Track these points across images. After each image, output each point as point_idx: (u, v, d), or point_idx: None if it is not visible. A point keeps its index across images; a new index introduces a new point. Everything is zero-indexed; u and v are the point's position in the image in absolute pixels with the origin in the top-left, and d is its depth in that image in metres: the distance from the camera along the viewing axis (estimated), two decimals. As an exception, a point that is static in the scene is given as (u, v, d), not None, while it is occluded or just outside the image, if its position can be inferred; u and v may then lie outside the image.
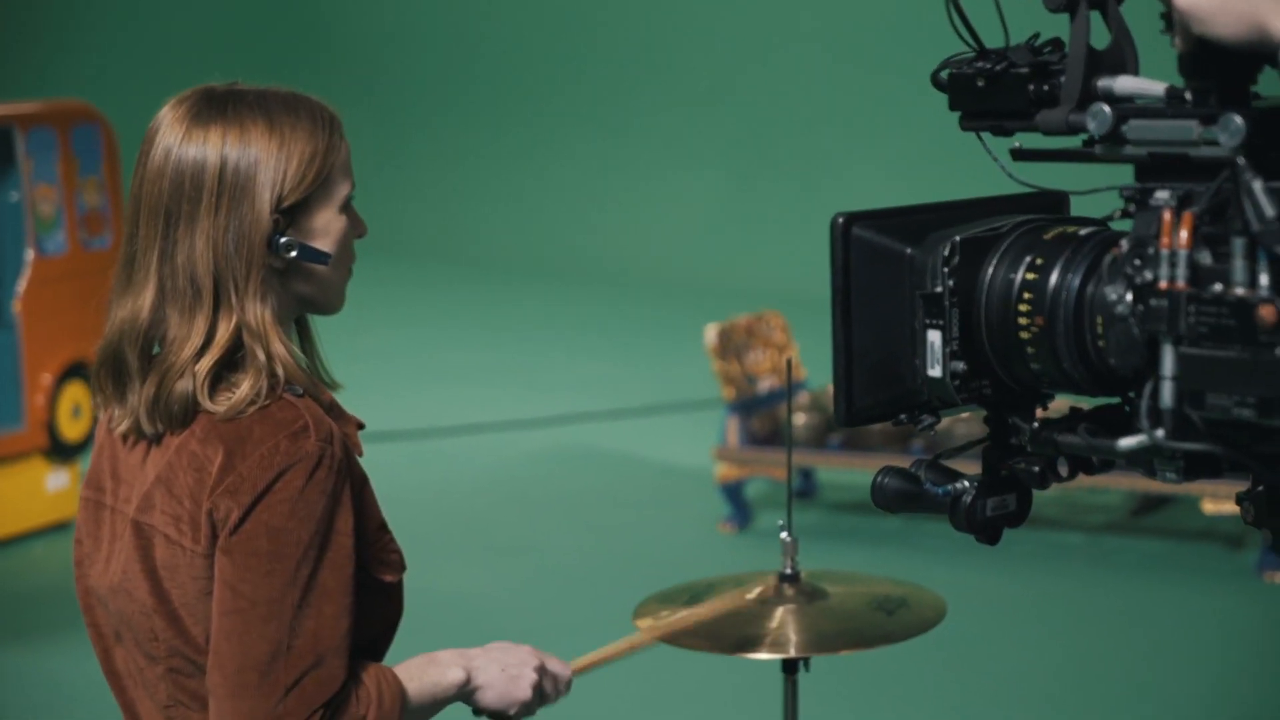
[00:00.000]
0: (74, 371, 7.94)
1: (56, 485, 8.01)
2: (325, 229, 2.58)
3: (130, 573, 2.55)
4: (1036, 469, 2.16)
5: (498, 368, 11.73)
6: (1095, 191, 2.13)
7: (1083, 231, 2.10)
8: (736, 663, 4.05)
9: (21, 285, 7.79)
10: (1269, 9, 1.88)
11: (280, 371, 2.51)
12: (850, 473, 8.05)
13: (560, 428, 9.96)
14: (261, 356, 2.50)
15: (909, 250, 2.15)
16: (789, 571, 3.41)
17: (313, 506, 2.45)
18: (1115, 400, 2.12)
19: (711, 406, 9.14)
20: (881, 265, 2.14)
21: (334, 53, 17.67)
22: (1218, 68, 1.97)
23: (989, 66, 2.13)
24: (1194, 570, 7.31)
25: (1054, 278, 2.06)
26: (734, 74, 15.35)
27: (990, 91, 2.14)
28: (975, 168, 2.49)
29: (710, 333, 7.91)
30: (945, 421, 2.24)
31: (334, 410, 2.58)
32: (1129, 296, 1.96)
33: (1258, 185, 1.87)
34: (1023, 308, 2.08)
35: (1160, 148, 2.00)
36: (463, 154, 16.83)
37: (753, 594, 3.38)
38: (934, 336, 2.12)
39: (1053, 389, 2.14)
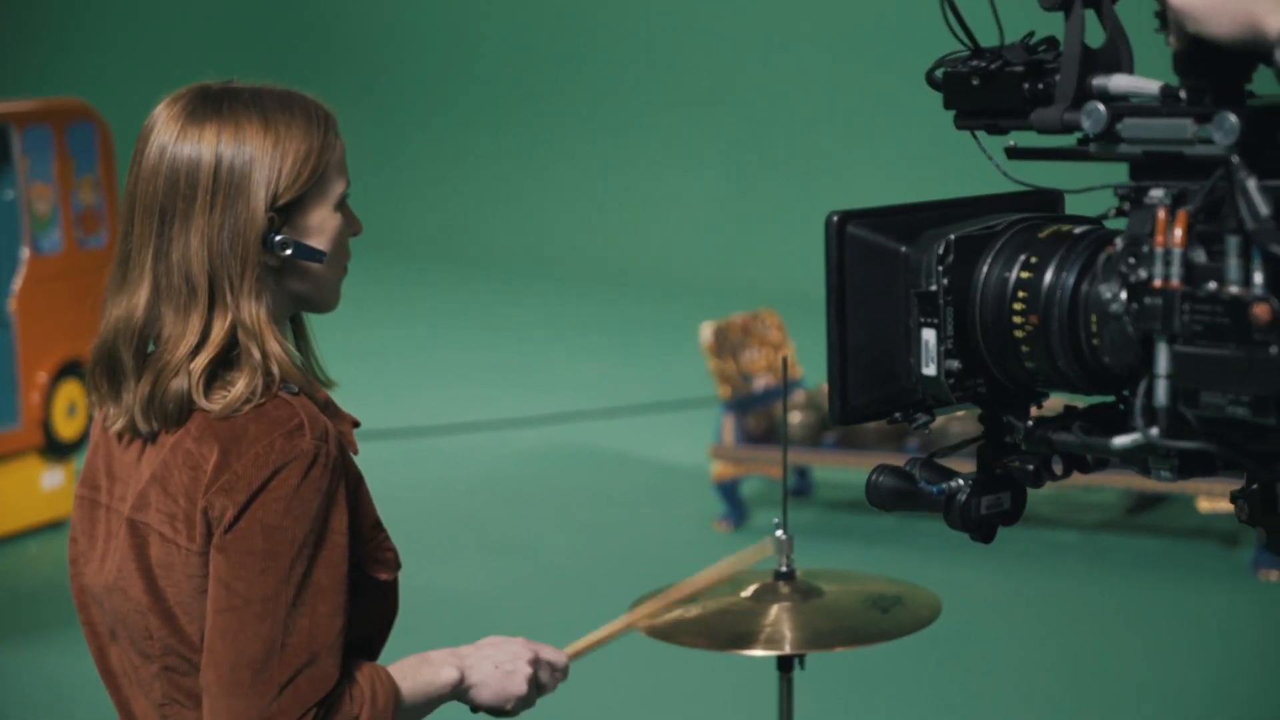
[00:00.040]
0: (69, 370, 7.93)
1: (52, 483, 8.01)
2: (320, 227, 2.58)
3: (125, 571, 2.55)
4: (1031, 467, 2.17)
5: (494, 366, 11.73)
6: (1090, 190, 2.13)
7: (1077, 230, 2.10)
8: (732, 660, 4.05)
9: (17, 283, 7.79)
10: (1263, 8, 1.88)
11: (275, 370, 2.51)
12: (845, 471, 8.05)
13: (556, 426, 9.96)
14: (257, 355, 2.50)
15: (904, 248, 2.15)
16: (784, 569, 3.41)
17: (307, 505, 2.45)
18: (1110, 399, 2.12)
19: (707, 405, 9.14)
20: (876, 263, 2.14)
21: (333, 52, 17.67)
22: (1212, 66, 1.97)
23: (984, 65, 2.13)
24: (1189, 568, 7.32)
25: (1048, 276, 2.06)
26: (730, 74, 15.35)
27: (985, 90, 2.14)
28: (971, 167, 2.49)
29: (706, 331, 7.91)
30: (940, 420, 2.24)
31: (329, 408, 2.58)
32: (1123, 295, 1.96)
33: (1252, 184, 1.87)
34: (1017, 306, 2.08)
35: (1155, 146, 2.00)
36: (460, 153, 16.83)
37: (746, 592, 3.38)
38: (929, 335, 2.12)
39: (1047, 387, 2.14)
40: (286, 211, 2.54)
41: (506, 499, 8.64)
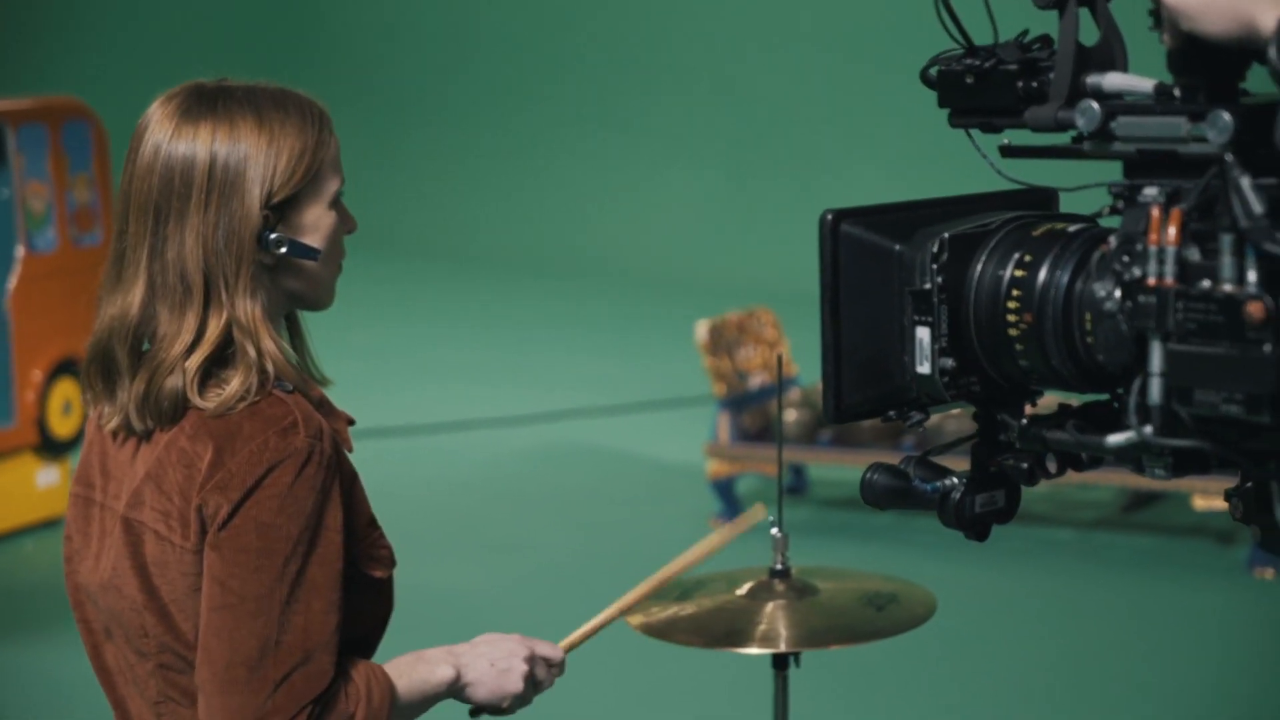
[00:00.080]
0: (64, 368, 7.93)
1: (47, 482, 8.01)
2: (315, 225, 2.58)
3: (120, 569, 2.55)
4: (1025, 465, 2.17)
5: (490, 364, 11.73)
6: (1084, 188, 2.13)
7: (1071, 228, 2.11)
8: (727, 658, 4.05)
9: (12, 282, 7.79)
10: (1257, 6, 1.88)
11: (270, 368, 2.51)
12: (841, 469, 8.05)
13: (552, 424, 9.96)
14: (251, 353, 2.50)
15: (898, 247, 2.15)
16: (779, 567, 3.41)
17: (302, 502, 2.45)
18: (1104, 397, 2.12)
19: (703, 403, 9.14)
20: (870, 262, 2.14)
21: (331, 50, 17.66)
22: (1206, 64, 1.98)
23: (978, 63, 2.14)
24: (1185, 566, 7.32)
25: (1042, 274, 2.06)
26: (726, 72, 15.35)
27: (979, 88, 2.14)
28: (966, 165, 2.50)
29: (701, 329, 7.91)
30: (935, 418, 2.24)
31: (324, 406, 2.58)
32: (1117, 293, 1.97)
33: (1246, 182, 1.88)
34: (1011, 304, 2.08)
35: (1149, 144, 2.00)
36: (457, 151, 16.82)
37: (741, 590, 3.38)
38: (923, 333, 2.12)
39: (1041, 385, 2.14)
40: (281, 209, 2.54)
41: (502, 497, 8.64)
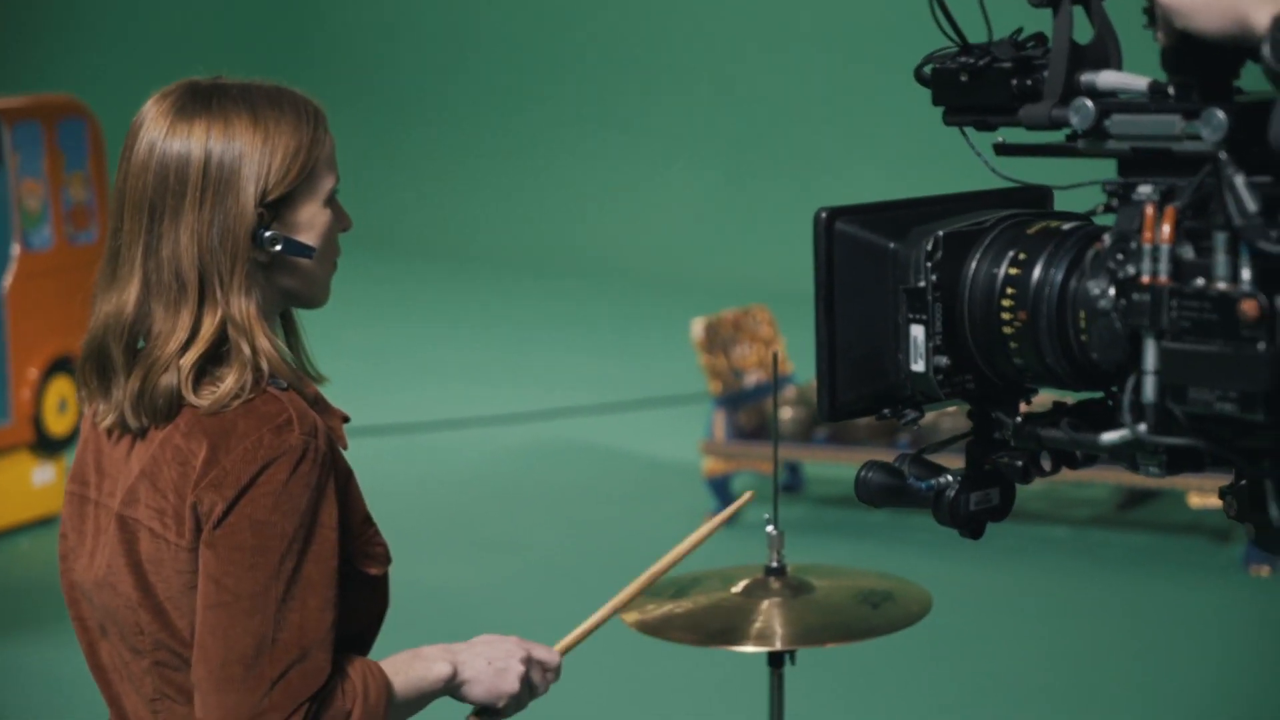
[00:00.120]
0: (60, 366, 7.93)
1: (43, 480, 8.01)
2: (310, 223, 2.58)
3: (115, 567, 2.55)
4: (1019, 463, 2.17)
5: (486, 362, 11.73)
6: (1078, 186, 2.14)
7: (1066, 226, 2.11)
8: (722, 656, 4.05)
9: (7, 280, 7.78)
10: (1251, 3, 1.88)
11: (265, 365, 2.51)
12: (836, 467, 8.06)
13: (547, 422, 9.96)
14: (246, 350, 2.50)
15: (892, 245, 2.15)
16: (775, 565, 3.41)
17: (296, 500, 2.46)
18: (1098, 395, 2.12)
19: (698, 401, 9.14)
20: (865, 260, 2.14)
21: (330, 49, 17.65)
22: (1200, 62, 1.98)
23: (972, 61, 2.14)
24: (1180, 564, 7.32)
25: (1037, 272, 2.06)
26: (723, 71, 15.35)
27: (973, 86, 2.14)
28: (961, 163, 2.50)
29: (697, 327, 7.91)
30: (932, 416, 2.24)
31: (319, 404, 2.58)
32: (1111, 291, 1.97)
33: (1240, 180, 1.88)
34: (1006, 302, 2.08)
35: (1143, 142, 2.00)
36: (452, 149, 16.82)
37: (737, 587, 3.38)
38: (917, 331, 2.12)
39: (1036, 383, 2.15)
40: (276, 207, 2.54)
41: (497, 495, 8.64)
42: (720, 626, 3.31)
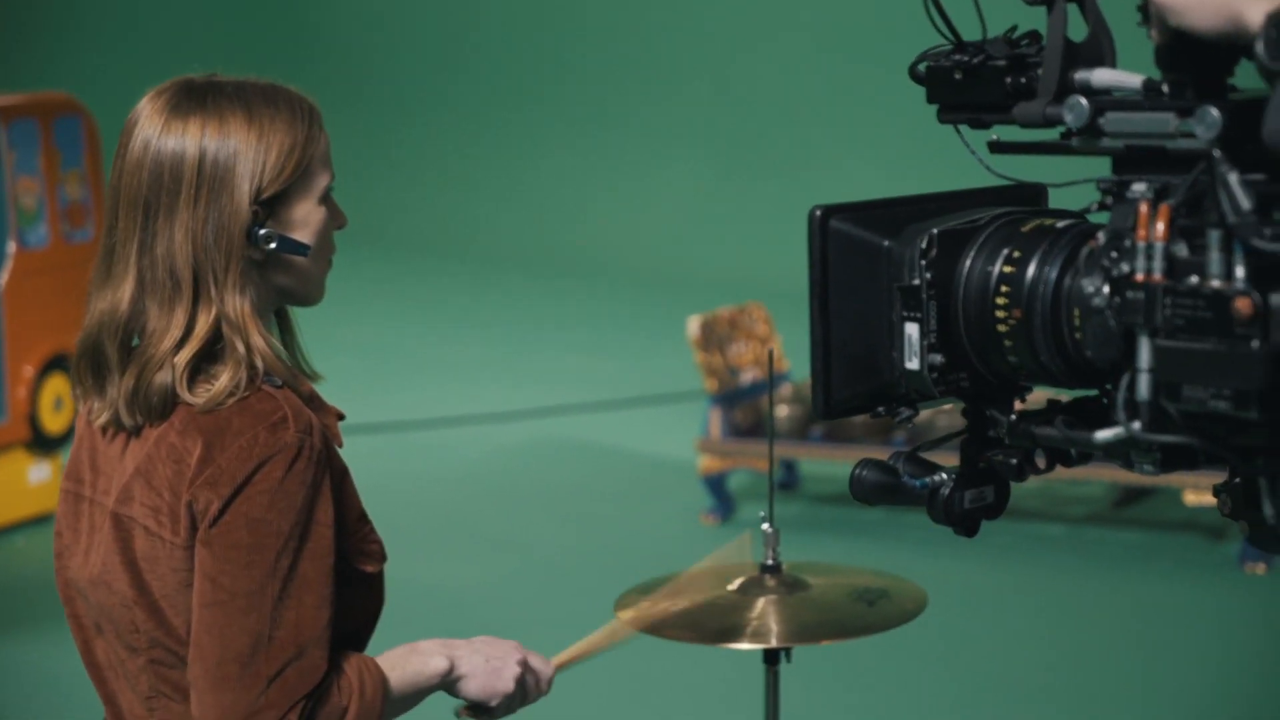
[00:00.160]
0: (56, 364, 7.92)
1: (38, 478, 8.00)
2: (305, 220, 2.58)
3: (110, 565, 2.55)
4: (1014, 461, 2.17)
5: (481, 360, 11.72)
6: (1073, 184, 2.14)
7: (1060, 224, 2.11)
8: (718, 653, 4.06)
9: (3, 278, 7.78)
10: (1244, 1, 1.88)
11: (259, 363, 2.51)
12: (832, 464, 8.06)
13: (543, 420, 9.96)
14: (241, 348, 2.50)
15: (886, 243, 2.15)
16: (770, 562, 3.42)
17: (292, 498, 2.46)
18: (1093, 393, 2.13)
19: (694, 398, 9.14)
20: (859, 258, 2.14)
21: (326, 48, 17.64)
22: (1194, 60, 1.98)
23: (966, 59, 2.14)
24: (1176, 561, 7.32)
25: (1031, 270, 2.07)
26: (718, 67, 15.35)
27: (967, 84, 2.14)
28: (956, 161, 2.50)
29: (693, 324, 7.91)
30: (927, 413, 2.25)
31: (314, 401, 2.58)
32: (1106, 289, 1.97)
33: (1233, 178, 1.88)
34: (1000, 300, 2.08)
35: (1137, 140, 2.01)
36: (447, 147, 16.81)
37: (733, 585, 3.38)
38: (911, 329, 2.12)
39: (1030, 381, 2.15)
40: (271, 205, 2.54)
41: (493, 493, 8.64)
42: (716, 624, 3.31)
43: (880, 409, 2.19)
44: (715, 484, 7.93)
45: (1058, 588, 7.12)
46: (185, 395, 2.49)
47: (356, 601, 2.59)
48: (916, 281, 2.11)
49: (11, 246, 7.81)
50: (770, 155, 14.91)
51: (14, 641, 6.66)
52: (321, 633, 2.47)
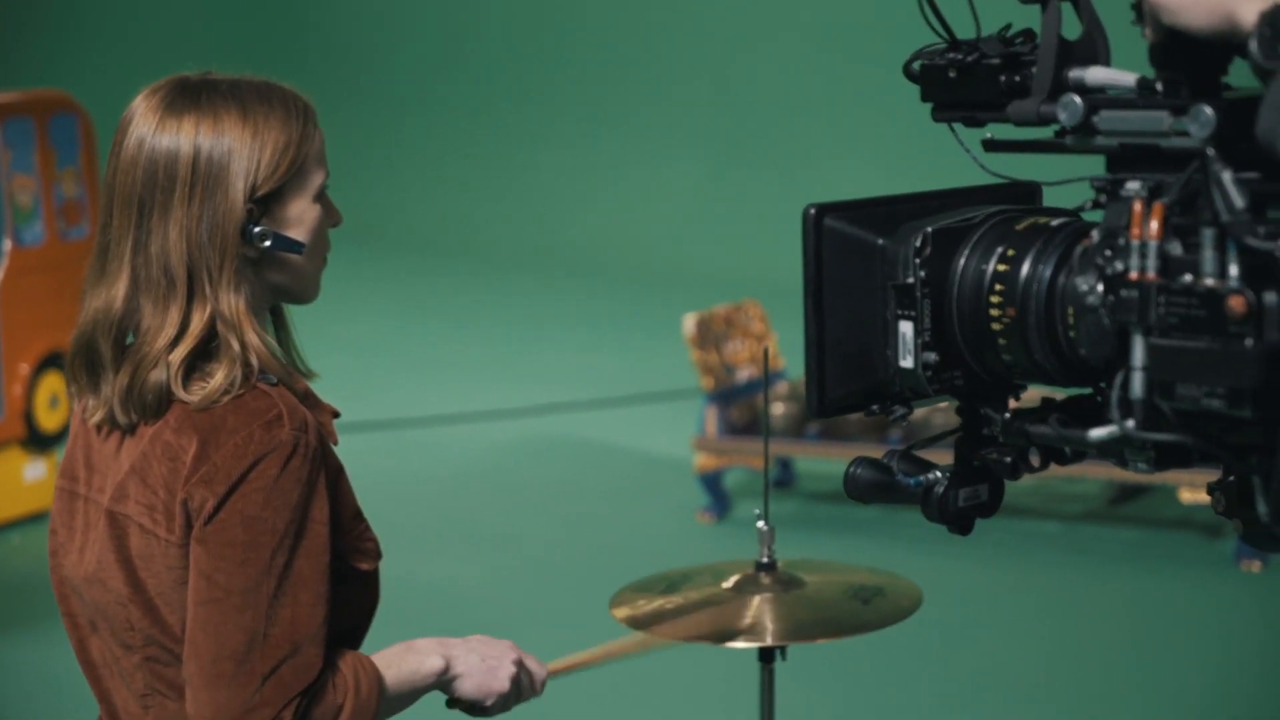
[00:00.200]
0: (51, 362, 7.92)
1: (34, 475, 8.00)
2: (300, 218, 2.58)
3: (105, 562, 2.55)
4: (1008, 460, 2.17)
5: (476, 358, 11.72)
6: (1067, 182, 2.14)
7: (1054, 222, 2.11)
8: (713, 651, 4.06)
9: (-1, 275, 7.78)
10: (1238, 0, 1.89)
11: (254, 361, 2.51)
12: (828, 462, 8.06)
13: (538, 418, 9.96)
14: (235, 346, 2.50)
15: (881, 241, 2.15)
16: (766, 560, 3.42)
17: (287, 495, 2.46)
18: (1087, 391, 2.13)
19: (690, 396, 9.14)
20: (853, 256, 2.14)
21: (321, 44, 17.63)
22: (1188, 59, 1.98)
23: (960, 57, 2.14)
24: (1171, 559, 7.33)
25: (1025, 268, 2.07)
26: (714, 65, 15.35)
27: (962, 82, 2.14)
28: (951, 159, 2.50)
29: (689, 322, 7.91)
30: (922, 411, 2.25)
31: (309, 399, 2.58)
32: (1100, 287, 1.97)
33: (1227, 176, 1.88)
34: (994, 299, 2.08)
35: (1131, 139, 2.01)
36: (442, 145, 16.81)
37: (728, 583, 3.38)
38: (906, 327, 2.12)
39: (1024, 380, 2.15)
40: (265, 203, 2.54)
41: (489, 490, 8.64)
42: (711, 623, 3.30)
43: (874, 407, 2.19)
44: (711, 482, 7.93)
45: (1053, 586, 7.12)
46: (180, 393, 2.49)
47: (352, 599, 2.59)
48: (911, 280, 2.11)
49: (7, 244, 7.80)
50: (766, 153, 14.91)
51: (9, 640, 6.66)
52: (317, 630, 2.47)
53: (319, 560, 2.48)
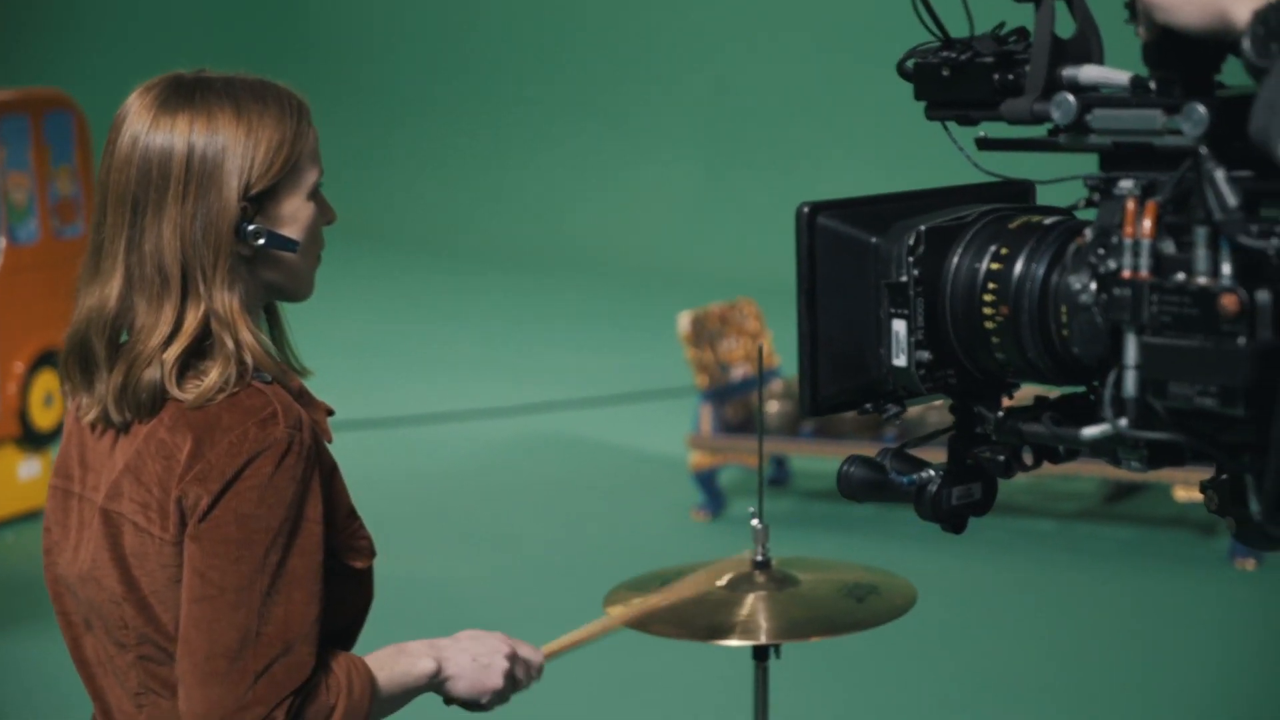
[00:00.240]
0: (46, 360, 7.91)
1: (28, 474, 8.00)
2: (293, 216, 2.57)
3: (99, 561, 2.55)
4: (1001, 458, 2.17)
5: (472, 356, 11.72)
6: (1060, 181, 2.14)
7: (1047, 221, 2.11)
8: (707, 649, 4.05)
9: (-7, 273, 7.78)
10: (1231, -1, 1.89)
11: (249, 359, 2.51)
12: (822, 460, 8.06)
13: (534, 416, 9.96)
14: (230, 344, 2.50)
15: (874, 239, 2.15)
16: (760, 558, 3.41)
17: (282, 493, 2.45)
18: (1080, 389, 2.13)
19: (685, 394, 9.14)
20: (847, 255, 2.15)
21: (316, 43, 17.63)
22: (1181, 57, 1.98)
23: (954, 56, 2.14)
24: (1166, 557, 7.33)
25: (1019, 267, 2.07)
26: (710, 64, 15.35)
27: (955, 81, 2.15)
28: (945, 158, 2.50)
29: (684, 320, 7.90)
30: (917, 410, 2.25)
31: (303, 397, 2.58)
32: (1093, 286, 1.97)
33: (1220, 175, 1.88)
34: (987, 297, 2.09)
35: (1124, 137, 2.01)
36: (438, 144, 16.81)
37: (721, 580, 3.38)
38: (899, 326, 2.13)
39: (1017, 378, 2.15)
40: (259, 201, 2.54)
41: (484, 488, 8.64)
42: (705, 621, 3.30)
43: (868, 406, 2.19)
44: (706, 480, 7.93)
45: (1048, 584, 7.13)
46: (174, 391, 2.49)
47: (345, 597, 2.59)
48: (904, 278, 2.12)
49: (2, 242, 7.80)
50: (761, 152, 14.92)
51: (4, 638, 6.66)
52: (310, 629, 2.47)
53: (313, 559, 2.48)
